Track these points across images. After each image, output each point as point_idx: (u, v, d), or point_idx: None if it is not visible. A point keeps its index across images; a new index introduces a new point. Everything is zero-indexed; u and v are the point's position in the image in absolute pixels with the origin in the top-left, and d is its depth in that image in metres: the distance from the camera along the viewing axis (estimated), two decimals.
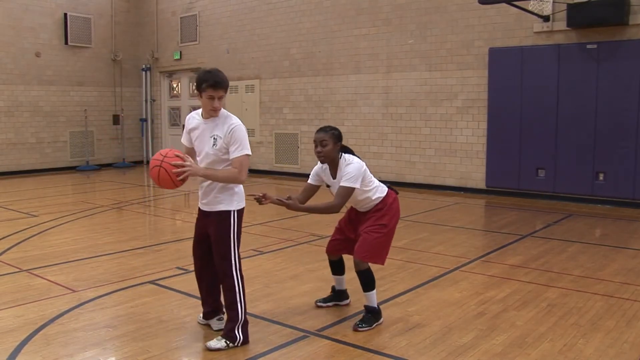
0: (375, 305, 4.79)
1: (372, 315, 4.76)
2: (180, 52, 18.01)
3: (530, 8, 10.51)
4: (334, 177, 4.74)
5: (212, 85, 4.19)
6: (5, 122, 16.09)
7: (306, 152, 14.90)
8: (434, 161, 12.84)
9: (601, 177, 10.72)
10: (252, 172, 16.08)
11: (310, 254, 6.96)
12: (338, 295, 5.27)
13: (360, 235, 4.74)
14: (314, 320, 4.89)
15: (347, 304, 5.27)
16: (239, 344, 4.36)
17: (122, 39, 18.59)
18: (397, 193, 4.95)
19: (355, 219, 4.94)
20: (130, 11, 18.84)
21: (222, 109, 4.34)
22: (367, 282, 4.74)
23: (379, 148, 13.67)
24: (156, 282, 5.97)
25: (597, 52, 10.59)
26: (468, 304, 5.30)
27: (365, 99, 13.85)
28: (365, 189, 4.71)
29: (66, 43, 17.17)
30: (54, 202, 11.45)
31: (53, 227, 8.89)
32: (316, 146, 4.68)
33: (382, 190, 4.80)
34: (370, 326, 4.70)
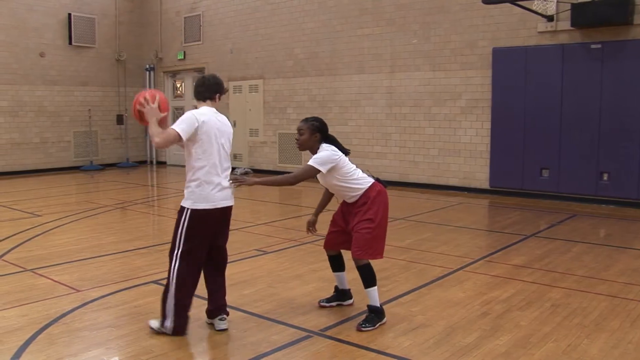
0: (378, 305, 4.80)
1: (375, 315, 4.77)
2: (184, 52, 18.03)
3: (534, 8, 10.49)
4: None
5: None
6: (9, 122, 16.13)
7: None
8: (438, 161, 12.83)
9: (605, 177, 10.69)
10: (256, 171, 16.10)
11: (314, 254, 6.96)
12: (341, 295, 5.28)
13: (353, 235, 4.79)
14: (317, 320, 4.89)
15: (351, 304, 5.27)
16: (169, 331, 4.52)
17: (126, 39, 18.62)
18: (385, 186, 4.95)
19: (346, 211, 4.97)
20: (134, 11, 18.87)
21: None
22: (367, 277, 4.76)
23: (382, 148, 13.66)
24: (160, 282, 5.96)
25: (602, 52, 10.56)
26: (472, 304, 5.29)
27: (368, 99, 13.85)
28: (342, 179, 4.79)
29: (70, 43, 17.20)
30: (57, 202, 11.47)
31: (57, 227, 8.91)
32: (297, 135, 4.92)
33: (365, 183, 4.83)
34: (374, 326, 4.71)
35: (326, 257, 5.25)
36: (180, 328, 4.53)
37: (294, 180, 4.75)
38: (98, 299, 5.43)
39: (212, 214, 4.50)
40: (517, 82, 11.45)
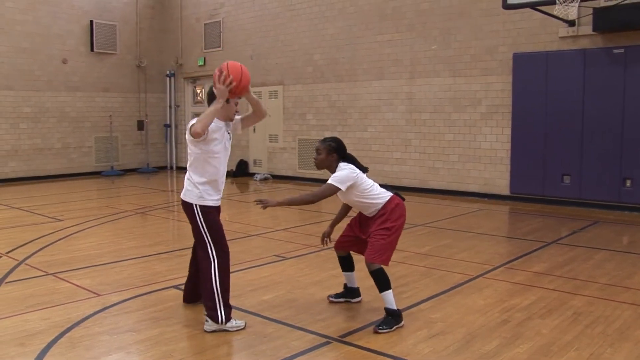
0: (395, 307, 4.86)
1: (392, 317, 4.84)
2: (204, 58, 18.16)
3: (555, 13, 10.39)
4: None
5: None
6: (32, 128, 16.34)
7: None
8: (458, 167, 12.76)
9: (628, 183, 10.56)
10: (275, 177, 16.14)
11: (333, 260, 6.93)
12: (350, 293, 5.50)
13: (368, 240, 4.98)
14: (337, 326, 4.88)
15: (359, 302, 5.46)
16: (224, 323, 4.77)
17: (146, 46, 18.79)
18: (403, 199, 5.17)
19: (364, 222, 5.20)
20: (154, 18, 19.05)
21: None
22: (381, 282, 4.86)
23: (402, 154, 13.63)
24: (180, 287, 5.98)
25: (624, 56, 10.46)
26: (492, 312, 5.25)
27: (388, 104, 13.82)
28: (361, 195, 5.02)
29: (92, 50, 17.41)
30: (79, 207, 11.58)
31: (78, 231, 8.99)
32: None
33: (383, 198, 5.05)
34: (391, 328, 4.77)
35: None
36: (230, 315, 4.80)
37: (315, 199, 4.94)
38: (118, 304, 5.46)
39: None
40: (538, 87, 11.37)
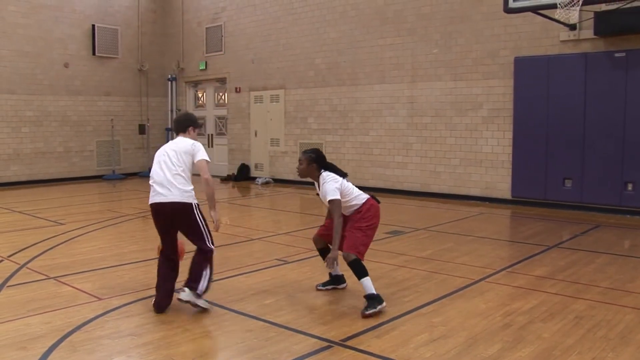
0: (374, 292, 5.30)
1: (373, 300, 5.27)
2: (206, 62, 18.18)
3: (556, 16, 10.40)
4: (319, 188, 5.66)
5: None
6: (34, 132, 16.37)
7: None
8: (459, 171, 12.76)
9: (630, 187, 10.55)
10: (277, 181, 16.14)
11: None
12: (336, 280, 6.04)
13: (345, 235, 5.51)
14: (338, 330, 4.87)
15: (344, 287, 5.99)
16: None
17: (148, 50, 18.83)
18: (378, 202, 5.77)
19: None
20: (156, 22, 19.08)
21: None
22: (358, 270, 5.35)
23: (403, 158, 13.63)
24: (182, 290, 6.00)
25: (625, 60, 10.46)
26: (494, 315, 5.24)
27: (390, 108, 13.83)
28: (342, 198, 5.55)
29: (94, 54, 17.44)
30: (80, 211, 11.59)
31: (80, 235, 9.00)
32: None
33: (360, 199, 5.65)
34: (375, 308, 5.22)
35: (347, 268, 5.51)
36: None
37: (340, 218, 5.45)
38: (120, 307, 5.46)
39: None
40: (540, 91, 11.36)
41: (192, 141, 5.55)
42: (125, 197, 14.13)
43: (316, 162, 5.71)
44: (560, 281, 6.38)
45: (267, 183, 16.30)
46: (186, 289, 5.28)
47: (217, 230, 5.56)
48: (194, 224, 5.40)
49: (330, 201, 5.48)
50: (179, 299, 5.27)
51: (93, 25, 17.32)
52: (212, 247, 5.46)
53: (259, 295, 5.85)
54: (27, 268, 6.93)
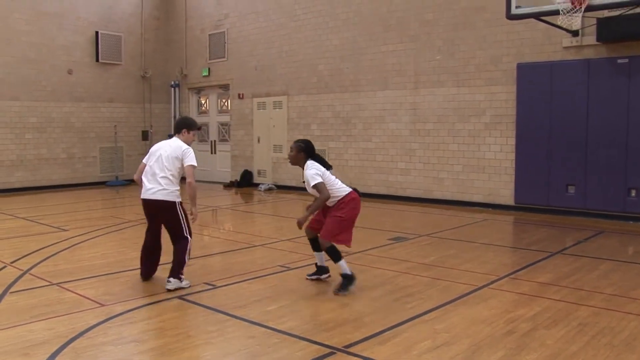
0: (348, 272, 6.09)
1: (346, 280, 6.05)
2: (209, 68, 18.23)
3: (559, 23, 10.39)
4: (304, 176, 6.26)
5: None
6: (38, 138, 16.42)
7: (333, 168, 14.85)
8: (462, 177, 12.75)
9: (633, 193, 10.53)
10: (280, 188, 16.13)
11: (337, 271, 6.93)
12: (320, 270, 6.66)
13: (325, 222, 6.17)
14: (341, 337, 4.86)
15: (328, 277, 6.61)
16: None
17: (151, 56, 18.88)
18: (359, 194, 6.36)
19: (326, 211, 6.33)
20: (159, 29, 19.14)
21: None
22: (333, 255, 6.11)
23: (406, 164, 13.63)
24: (184, 297, 6.00)
25: (628, 66, 10.46)
26: (497, 322, 5.23)
27: (392, 115, 13.84)
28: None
29: (97, 60, 17.50)
30: (84, 217, 11.61)
31: (83, 241, 9.01)
32: None
33: (342, 192, 6.24)
34: (346, 290, 6.01)
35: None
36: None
37: (327, 195, 6.08)
38: (123, 314, 5.46)
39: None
40: (542, 97, 11.37)
41: (184, 147, 6.43)
42: (128, 203, 14.15)
43: (304, 151, 6.32)
44: (564, 288, 6.37)
45: (269, 189, 16.31)
46: (171, 279, 6.22)
47: (194, 222, 6.48)
48: (175, 219, 6.36)
49: (314, 186, 6.06)
50: (168, 289, 6.16)
51: (97, 32, 17.38)
52: (189, 237, 6.41)
53: (262, 301, 5.84)
54: (31, 274, 6.94)
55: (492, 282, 6.60)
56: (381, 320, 5.21)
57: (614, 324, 5.18)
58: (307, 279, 6.68)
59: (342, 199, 6.19)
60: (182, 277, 6.31)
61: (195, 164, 6.40)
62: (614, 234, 9.69)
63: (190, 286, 6.34)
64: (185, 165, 6.34)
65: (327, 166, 6.38)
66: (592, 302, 5.85)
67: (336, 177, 6.36)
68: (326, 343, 4.73)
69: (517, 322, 5.23)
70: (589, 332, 4.98)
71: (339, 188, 6.26)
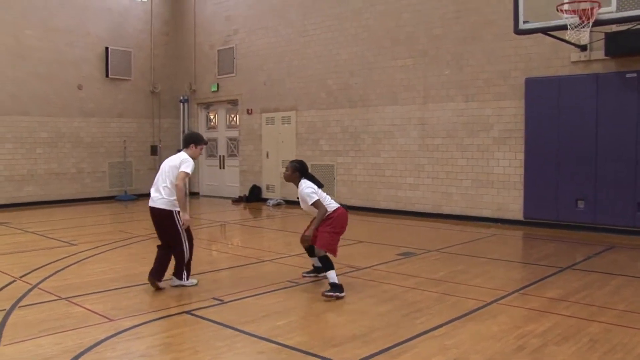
0: (336, 281, 6.51)
1: (335, 287, 6.45)
2: (218, 84, 18.32)
3: (567, 37, 10.38)
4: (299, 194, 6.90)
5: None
6: (49, 153, 16.52)
7: (342, 184, 14.90)
8: (471, 192, 12.72)
9: None
10: (289, 203, 16.13)
11: (347, 286, 6.91)
12: (317, 270, 7.32)
13: (317, 235, 6.79)
14: (349, 353, 4.84)
15: (324, 276, 6.88)
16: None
17: (160, 72, 19.00)
18: (347, 210, 7.03)
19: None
20: (168, 44, 19.28)
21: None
22: (326, 264, 6.64)
23: (415, 179, 13.61)
24: (192, 312, 5.99)
25: (637, 81, 10.44)
26: (507, 338, 5.18)
27: (401, 130, 13.84)
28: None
29: (107, 76, 17.63)
30: (92, 232, 11.63)
31: (91, 256, 9.02)
32: None
33: (332, 207, 6.87)
34: (334, 293, 6.41)
35: (360, 290, 6.64)
36: (188, 276, 7.08)
37: (324, 210, 6.76)
38: (131, 329, 5.46)
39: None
40: (551, 112, 11.35)
41: (184, 157, 6.83)
42: (136, 218, 14.18)
43: (299, 171, 6.98)
44: (574, 303, 6.32)
45: (278, 204, 16.31)
46: (174, 277, 7.00)
47: (184, 227, 6.81)
48: (172, 228, 6.79)
49: (313, 204, 6.73)
50: (172, 285, 6.92)
51: (106, 48, 17.52)
52: (185, 250, 6.91)
53: (271, 317, 5.83)
54: (39, 288, 6.95)
55: (502, 298, 6.56)
56: (390, 336, 5.18)
57: (627, 340, 5.13)
58: (303, 276, 7.40)
59: (330, 214, 6.81)
60: (185, 277, 6.96)
61: (189, 172, 6.72)
62: (624, 249, 9.62)
63: (195, 285, 6.99)
64: (179, 170, 6.69)
65: (319, 184, 6.98)
66: (603, 318, 5.79)
67: (326, 194, 7.01)
68: (335, 358, 4.70)
69: (527, 337, 5.19)
70: (600, 348, 4.93)
71: (329, 204, 6.88)
